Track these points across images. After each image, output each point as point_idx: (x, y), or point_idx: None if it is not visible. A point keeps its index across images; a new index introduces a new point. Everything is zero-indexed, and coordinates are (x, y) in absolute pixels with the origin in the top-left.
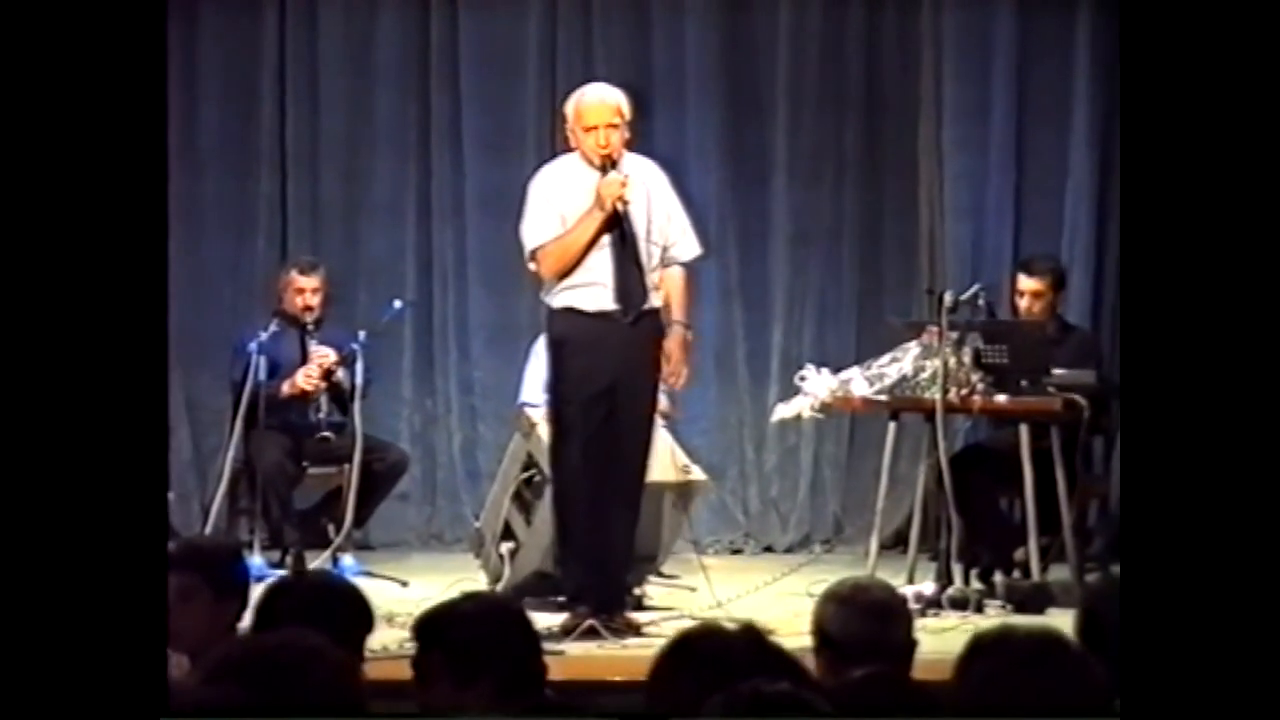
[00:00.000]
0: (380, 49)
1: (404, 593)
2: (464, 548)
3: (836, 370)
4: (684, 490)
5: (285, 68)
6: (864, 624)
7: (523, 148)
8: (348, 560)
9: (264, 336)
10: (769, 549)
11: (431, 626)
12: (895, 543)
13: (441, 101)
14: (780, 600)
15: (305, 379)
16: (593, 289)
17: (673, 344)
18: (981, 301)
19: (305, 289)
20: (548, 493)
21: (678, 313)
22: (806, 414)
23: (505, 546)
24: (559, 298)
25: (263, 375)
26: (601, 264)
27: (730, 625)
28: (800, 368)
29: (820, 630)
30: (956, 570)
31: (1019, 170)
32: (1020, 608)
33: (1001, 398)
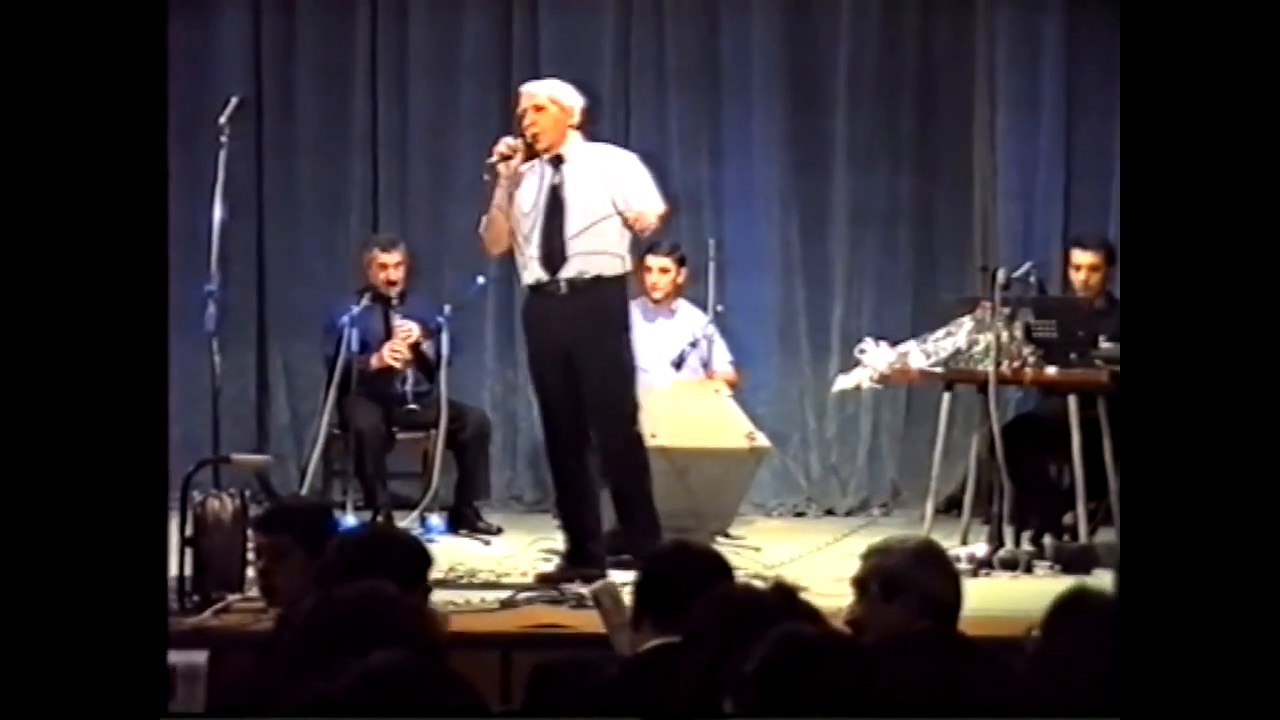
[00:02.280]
0: (465, 43)
1: (487, 550)
2: (543, 508)
3: (894, 344)
4: (749, 456)
5: (377, 60)
6: (937, 576)
7: (597, 136)
8: (434, 519)
9: (355, 311)
10: (830, 512)
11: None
12: (949, 507)
13: None
14: (840, 560)
15: (392, 355)
16: (527, 263)
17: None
18: (1032, 279)
19: (388, 264)
20: None
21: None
22: (865, 385)
23: None
24: (522, 278)
25: (354, 347)
26: (531, 237)
27: (761, 583)
28: (859, 341)
29: (889, 579)
30: (1008, 533)
31: (1068, 155)
32: (1068, 568)
33: (1051, 370)
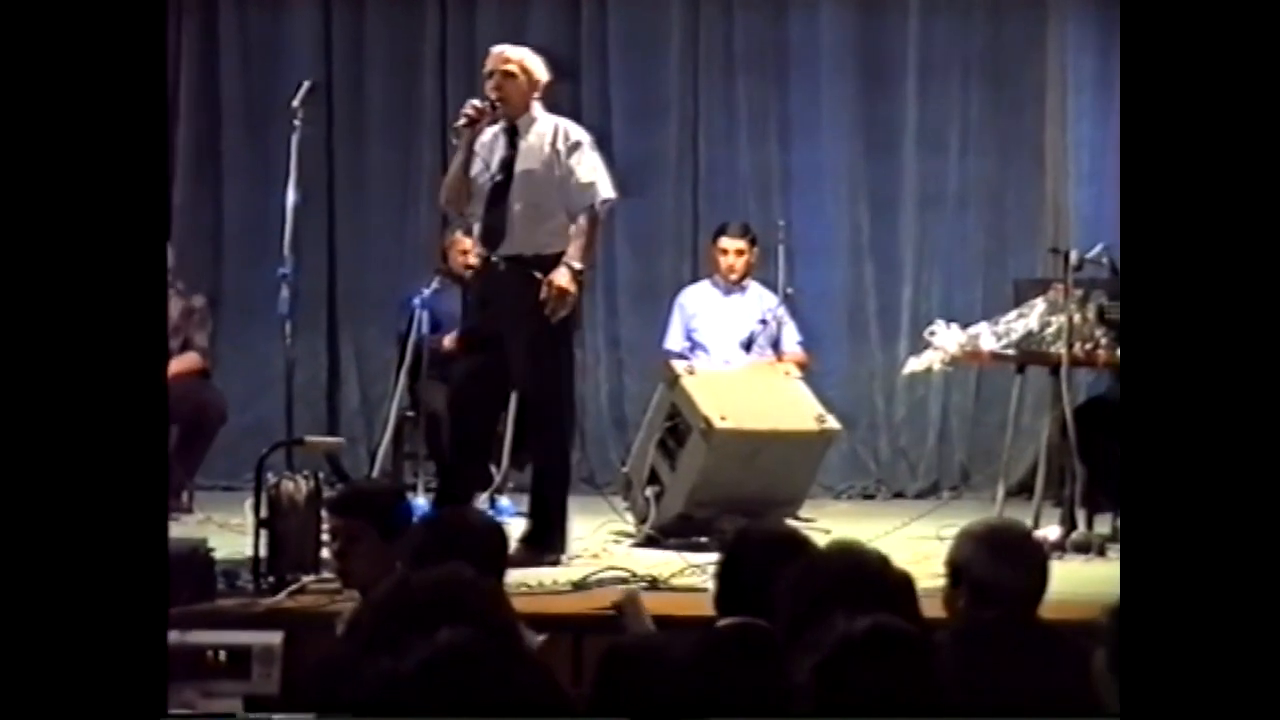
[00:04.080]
0: (533, 28)
1: None
2: (612, 490)
3: (964, 326)
4: (819, 438)
5: (446, 47)
6: (999, 563)
7: (665, 120)
8: (504, 501)
9: (427, 293)
10: (899, 495)
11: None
12: (1019, 490)
13: (590, 77)
14: (911, 543)
15: None
16: (474, 235)
17: (552, 278)
18: (1105, 260)
19: (469, 249)
20: (690, 439)
21: (570, 252)
22: (937, 367)
23: (651, 490)
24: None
25: (425, 329)
26: (477, 210)
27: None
28: (929, 324)
29: (955, 567)
30: (1080, 516)
31: None
32: None
33: None
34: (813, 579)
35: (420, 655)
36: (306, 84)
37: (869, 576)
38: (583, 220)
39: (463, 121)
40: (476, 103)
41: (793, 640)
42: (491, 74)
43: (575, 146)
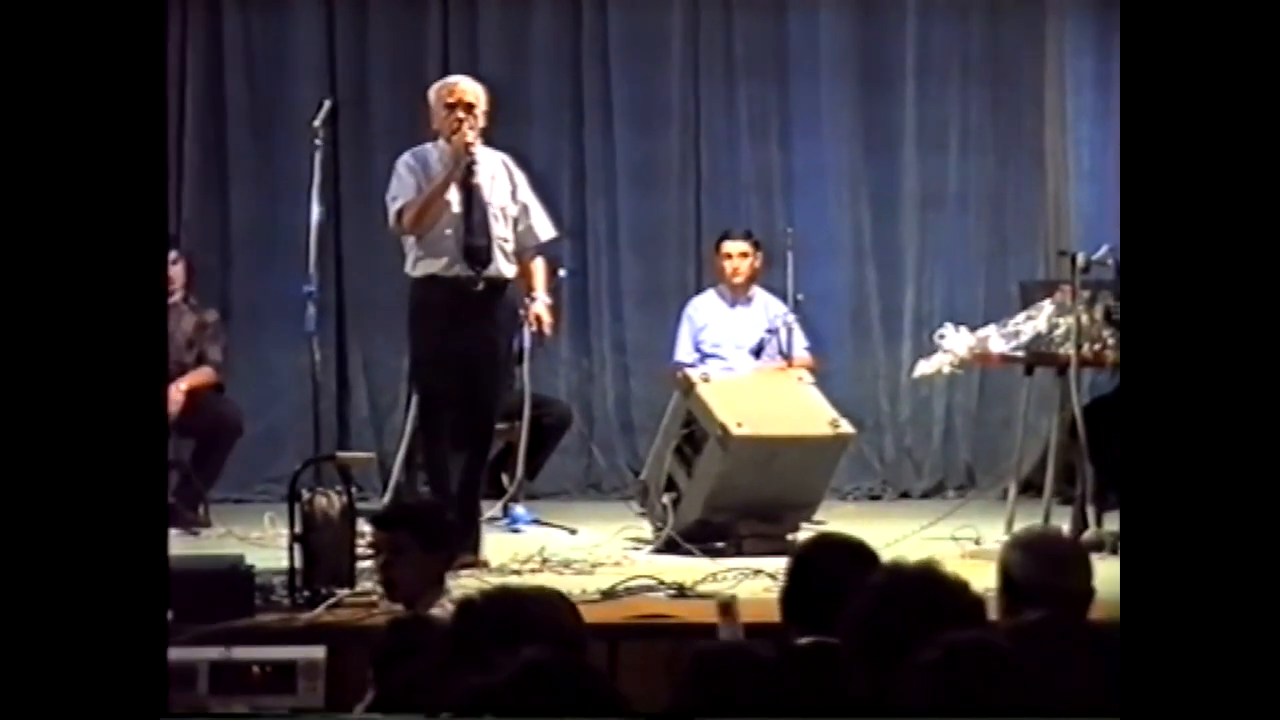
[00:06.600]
0: (535, 34)
1: (574, 540)
2: (619, 496)
3: (972, 328)
4: (833, 443)
5: (449, 56)
6: (1047, 569)
7: (668, 124)
8: (519, 509)
9: None
10: (905, 495)
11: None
12: (1024, 489)
13: (592, 82)
14: (925, 545)
15: None
16: (445, 254)
17: (539, 310)
18: (1110, 261)
19: None
20: (707, 446)
21: (538, 287)
22: (946, 370)
23: (668, 497)
24: (418, 267)
25: None
26: (453, 230)
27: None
28: (931, 325)
29: (1004, 575)
30: (1090, 514)
31: None
32: None
33: None
34: (894, 593)
35: (508, 671)
36: (328, 103)
37: (949, 595)
38: (540, 259)
39: (471, 159)
40: (471, 137)
41: (864, 649)
42: (454, 106)
43: (522, 184)
